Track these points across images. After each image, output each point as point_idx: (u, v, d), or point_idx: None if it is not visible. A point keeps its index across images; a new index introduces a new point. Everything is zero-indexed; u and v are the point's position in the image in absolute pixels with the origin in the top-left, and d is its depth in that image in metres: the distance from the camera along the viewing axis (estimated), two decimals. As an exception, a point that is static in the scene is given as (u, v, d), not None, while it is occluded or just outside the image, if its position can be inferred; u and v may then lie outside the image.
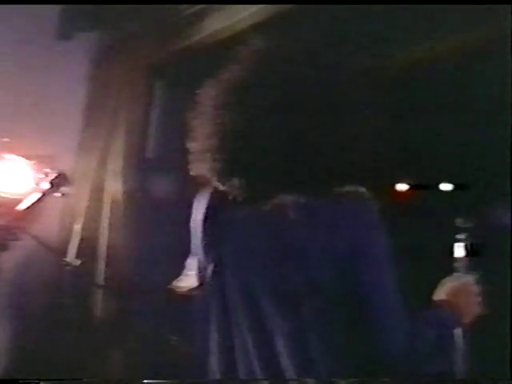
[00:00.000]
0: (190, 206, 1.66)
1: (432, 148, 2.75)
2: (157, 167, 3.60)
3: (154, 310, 3.10)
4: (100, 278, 3.26)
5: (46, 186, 2.58)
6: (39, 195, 2.55)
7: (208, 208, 1.50)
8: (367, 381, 1.28)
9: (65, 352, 2.80)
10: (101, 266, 3.29)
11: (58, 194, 2.61)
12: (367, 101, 1.38)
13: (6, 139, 2.87)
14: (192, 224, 1.56)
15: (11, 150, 2.96)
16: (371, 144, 1.37)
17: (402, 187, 2.79)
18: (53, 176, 2.60)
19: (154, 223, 3.27)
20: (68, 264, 2.76)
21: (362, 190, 1.36)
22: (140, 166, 3.55)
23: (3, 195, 2.86)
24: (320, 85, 1.35)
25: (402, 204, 2.66)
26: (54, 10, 3.42)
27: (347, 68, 1.41)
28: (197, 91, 1.52)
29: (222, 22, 2.92)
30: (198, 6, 3.00)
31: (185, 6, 3.06)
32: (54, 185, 2.58)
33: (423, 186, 2.71)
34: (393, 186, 2.70)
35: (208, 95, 1.47)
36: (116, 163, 3.48)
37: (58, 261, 2.95)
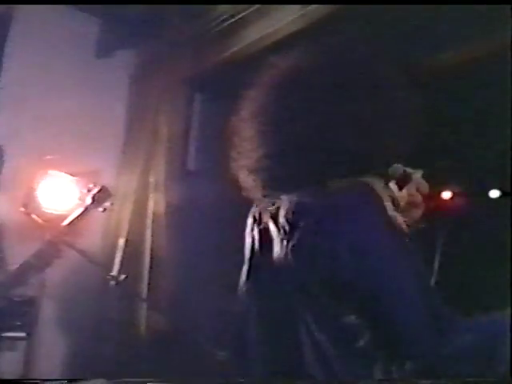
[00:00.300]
0: (232, 217, 1.64)
1: (480, 155, 2.68)
2: (198, 179, 3.61)
3: (199, 323, 3.09)
4: (144, 291, 3.27)
5: (88, 201, 2.61)
6: (82, 210, 2.57)
7: (257, 218, 1.49)
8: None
9: (110, 363, 2.82)
10: (144, 279, 3.30)
11: (100, 209, 2.63)
12: (404, 105, 1.35)
13: (49, 156, 2.93)
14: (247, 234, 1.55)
15: (55, 167, 3.02)
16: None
17: (447, 195, 2.73)
18: (95, 191, 2.63)
19: (197, 234, 3.27)
20: (113, 278, 2.78)
21: (365, 180, 1.30)
22: (182, 179, 3.57)
23: (48, 211, 2.92)
24: (358, 88, 1.33)
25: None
26: (92, 28, 3.50)
27: (384, 73, 1.39)
28: (235, 102, 1.53)
29: (257, 33, 2.92)
30: (233, 19, 3.01)
31: (220, 18, 3.07)
32: (96, 199, 2.60)
33: (473, 194, 2.65)
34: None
35: (245, 105, 1.47)
36: (158, 176, 3.51)
37: (103, 275, 2.98)
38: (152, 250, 3.37)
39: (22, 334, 2.83)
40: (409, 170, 1.37)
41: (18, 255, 2.48)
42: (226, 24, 3.08)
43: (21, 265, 2.42)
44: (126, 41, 3.57)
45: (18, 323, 2.53)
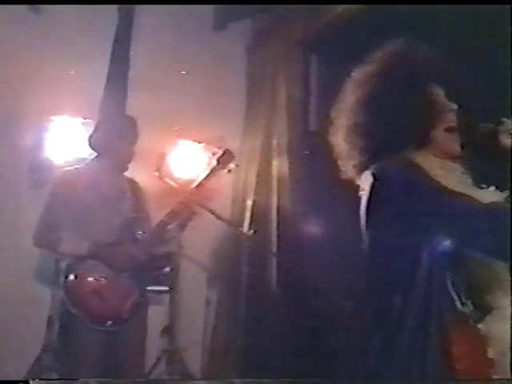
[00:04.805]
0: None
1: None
2: (320, 139, 3.65)
3: (326, 275, 3.18)
4: (273, 246, 3.42)
5: (213, 163, 2.79)
6: (208, 171, 2.77)
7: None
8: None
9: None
10: (273, 235, 3.45)
11: (225, 171, 2.81)
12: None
13: (176, 127, 3.18)
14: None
15: (183, 136, 3.28)
16: None
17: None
18: (219, 154, 2.81)
19: (321, 190, 3.32)
20: (243, 234, 2.97)
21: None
22: (303, 139, 3.63)
23: (179, 176, 3.18)
24: None
25: None
26: (207, 6, 3.70)
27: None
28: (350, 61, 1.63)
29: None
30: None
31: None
32: (221, 162, 2.78)
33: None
34: None
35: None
36: (280, 138, 3.62)
37: (233, 231, 3.18)
38: (278, 207, 3.50)
39: (165, 288, 3.13)
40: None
41: (155, 215, 2.73)
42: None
43: (158, 223, 2.66)
44: (239, 14, 3.73)
45: (161, 277, 2.80)
